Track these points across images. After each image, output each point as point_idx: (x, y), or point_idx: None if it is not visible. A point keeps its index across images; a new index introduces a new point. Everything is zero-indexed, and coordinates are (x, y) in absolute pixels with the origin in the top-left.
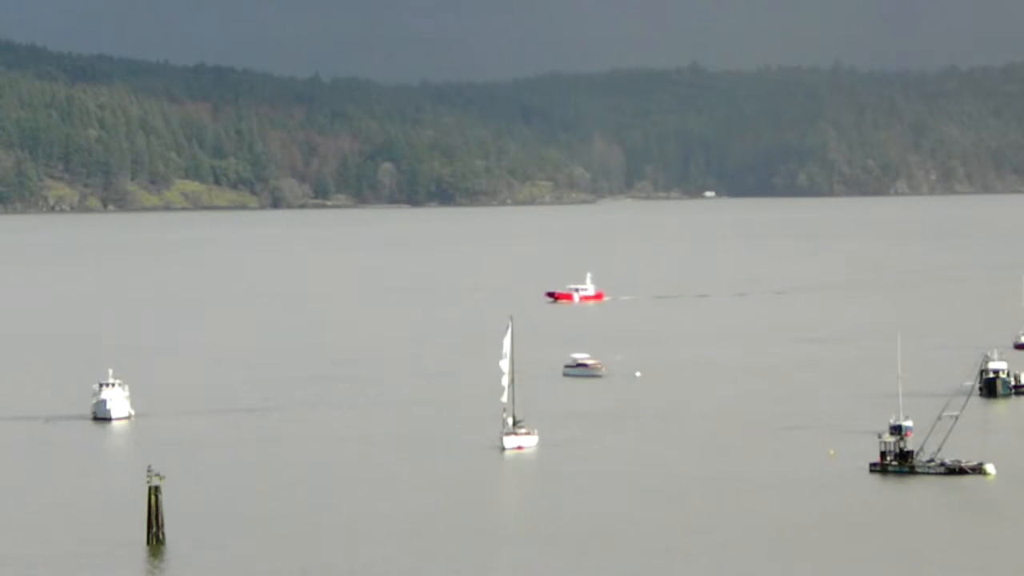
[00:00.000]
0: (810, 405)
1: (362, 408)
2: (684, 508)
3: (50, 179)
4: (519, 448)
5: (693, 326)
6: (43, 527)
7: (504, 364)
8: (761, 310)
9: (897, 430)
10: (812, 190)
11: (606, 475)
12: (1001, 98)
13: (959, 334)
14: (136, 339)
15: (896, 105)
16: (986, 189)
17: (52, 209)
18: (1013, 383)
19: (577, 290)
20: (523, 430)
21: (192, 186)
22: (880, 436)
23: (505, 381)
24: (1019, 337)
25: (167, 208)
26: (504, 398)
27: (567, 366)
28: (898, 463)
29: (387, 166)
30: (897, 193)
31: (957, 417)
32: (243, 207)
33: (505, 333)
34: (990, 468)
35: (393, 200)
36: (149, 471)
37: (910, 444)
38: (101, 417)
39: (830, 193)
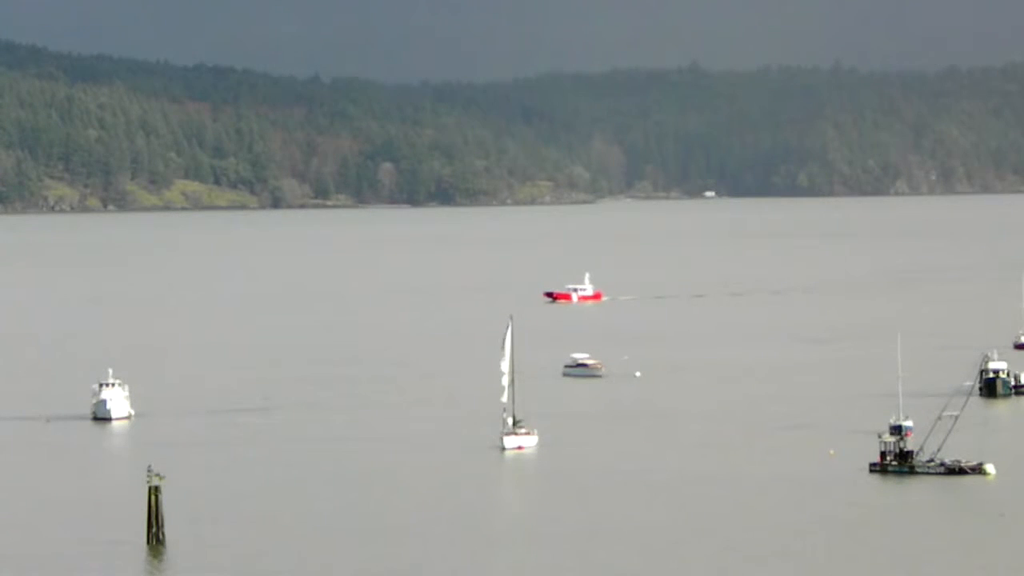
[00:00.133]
0: (810, 405)
1: (362, 408)
2: (684, 508)
3: (50, 179)
4: (519, 448)
5: (693, 326)
6: (43, 527)
7: (504, 364)
8: (761, 310)
9: (897, 430)
10: (812, 190)
11: (606, 475)
12: (1001, 98)
13: (959, 334)
14: (136, 339)
15: (896, 105)
16: (986, 189)
17: (52, 209)
18: (1013, 383)
19: (575, 290)
20: (523, 430)
21: (192, 186)
22: (880, 436)
23: (505, 381)
24: (1019, 337)
25: (167, 208)
26: (504, 398)
27: (567, 366)
28: (898, 463)
29: (387, 166)
30: (897, 193)
31: (957, 417)
32: (243, 207)
33: (505, 333)
34: (990, 468)
35: (393, 200)
36: (149, 471)
37: (910, 444)
38: (101, 417)
39: (830, 193)
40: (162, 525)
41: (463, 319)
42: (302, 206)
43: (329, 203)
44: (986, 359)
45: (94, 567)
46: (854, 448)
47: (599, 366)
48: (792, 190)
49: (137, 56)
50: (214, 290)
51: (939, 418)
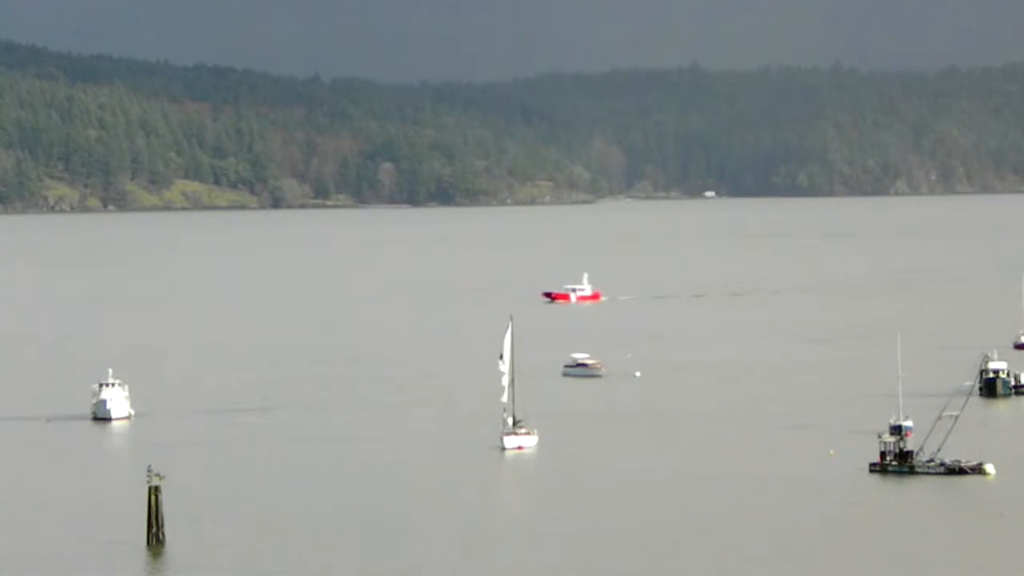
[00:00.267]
0: (810, 405)
1: (362, 408)
2: (684, 508)
3: (50, 179)
4: (519, 448)
5: (693, 326)
6: (43, 527)
7: (504, 364)
8: (761, 310)
9: (897, 430)
10: (812, 190)
11: (606, 475)
12: (1001, 98)
13: (959, 334)
14: (136, 339)
15: (896, 105)
16: (986, 189)
17: (52, 209)
18: (1013, 383)
19: (574, 290)
20: (523, 430)
21: (192, 186)
22: (880, 436)
23: (505, 381)
24: (1019, 337)
25: (167, 208)
26: (504, 398)
27: (567, 366)
28: (898, 463)
29: (387, 166)
30: (897, 193)
31: (957, 417)
32: (243, 207)
33: (505, 333)
34: (990, 468)
35: (393, 200)
36: (149, 471)
37: (910, 444)
38: (101, 417)
39: (830, 193)
40: (162, 525)
41: (463, 319)
42: (302, 206)
43: (329, 203)
44: (986, 359)
45: (94, 567)
46: (854, 448)
47: (599, 366)
48: (792, 190)
49: (137, 56)
50: (214, 290)
51: (939, 418)
